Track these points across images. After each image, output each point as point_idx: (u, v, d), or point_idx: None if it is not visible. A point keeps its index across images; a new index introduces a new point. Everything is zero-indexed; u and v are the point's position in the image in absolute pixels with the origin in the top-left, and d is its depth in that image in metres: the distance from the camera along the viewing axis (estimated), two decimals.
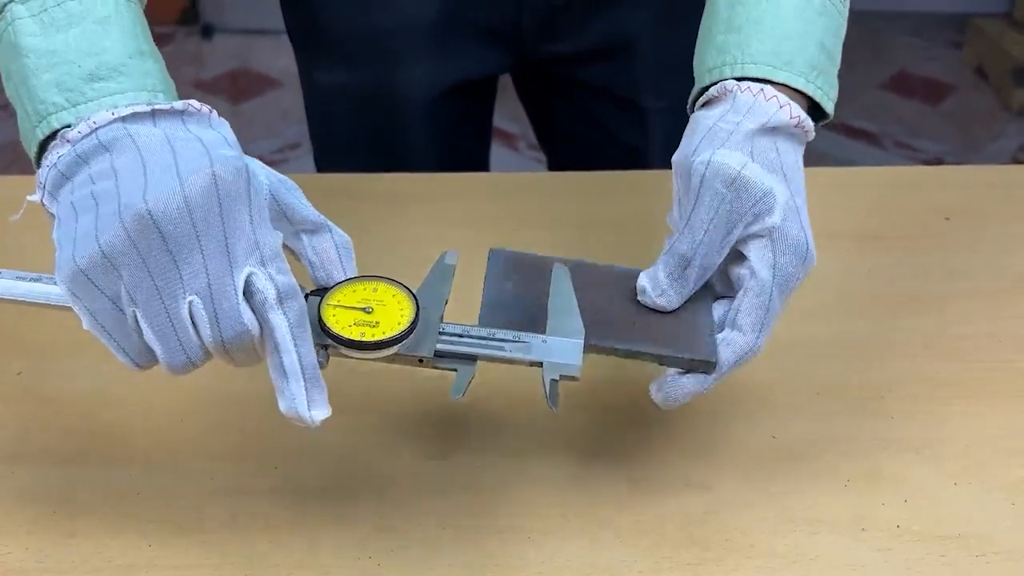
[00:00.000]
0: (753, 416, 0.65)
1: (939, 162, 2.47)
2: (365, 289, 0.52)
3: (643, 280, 0.56)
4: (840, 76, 0.61)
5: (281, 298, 0.47)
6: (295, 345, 0.47)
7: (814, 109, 0.59)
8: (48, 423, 0.64)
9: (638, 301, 0.57)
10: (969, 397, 0.67)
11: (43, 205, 0.51)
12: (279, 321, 0.47)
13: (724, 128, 0.55)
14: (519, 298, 0.57)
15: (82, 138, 0.49)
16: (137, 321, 0.47)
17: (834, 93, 0.60)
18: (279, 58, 2.40)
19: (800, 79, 0.57)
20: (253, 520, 0.59)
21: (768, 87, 0.56)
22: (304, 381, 0.47)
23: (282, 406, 0.48)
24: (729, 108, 0.56)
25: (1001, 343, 0.71)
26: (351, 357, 0.51)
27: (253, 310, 0.47)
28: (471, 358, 0.53)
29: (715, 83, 0.58)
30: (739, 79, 0.57)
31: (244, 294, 0.46)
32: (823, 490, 0.61)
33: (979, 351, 0.71)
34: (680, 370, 0.55)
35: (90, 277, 0.46)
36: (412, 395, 0.66)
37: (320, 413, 0.48)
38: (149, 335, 0.47)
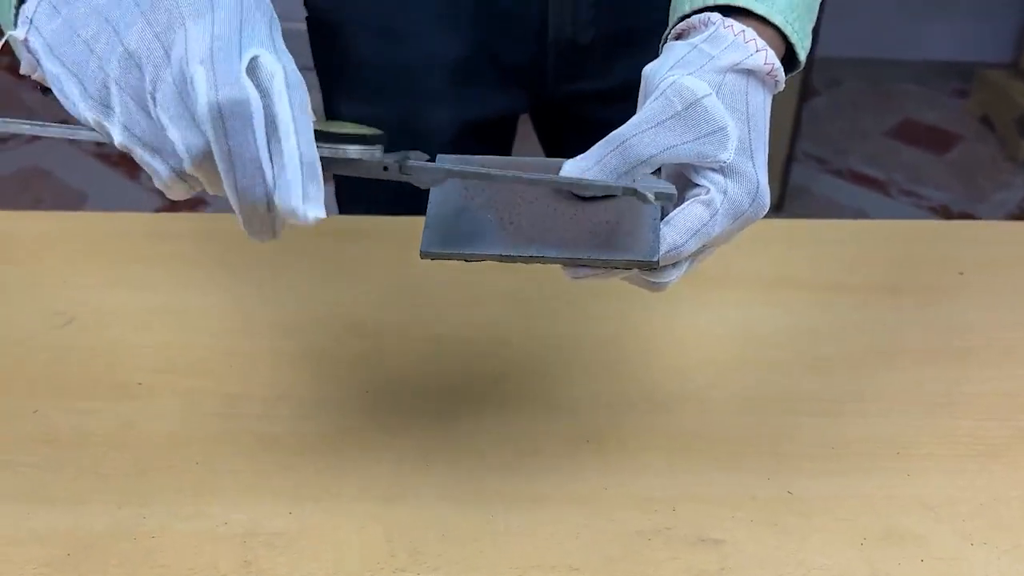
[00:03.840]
0: (769, 470, 0.65)
1: (945, 210, 2.48)
2: (329, 123, 0.50)
3: (567, 166, 0.54)
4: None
5: (289, 81, 0.45)
6: (296, 130, 0.44)
7: (786, 59, 0.59)
8: (63, 463, 0.64)
9: (571, 200, 0.55)
10: (985, 455, 0.67)
11: (25, 42, 0.48)
12: (282, 100, 0.44)
13: (697, 59, 0.55)
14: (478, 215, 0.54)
15: None
16: (158, 116, 0.45)
17: (807, 43, 0.60)
18: None
19: (779, 16, 0.58)
20: (267, 566, 0.58)
21: (749, 30, 0.56)
22: (302, 172, 0.44)
23: (276, 199, 0.44)
24: (706, 39, 0.56)
25: (1017, 400, 0.71)
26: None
27: (262, 91, 0.44)
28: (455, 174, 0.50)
29: (696, 12, 0.59)
30: (720, 8, 0.58)
31: (249, 73, 0.44)
32: (839, 548, 0.61)
33: (995, 408, 0.71)
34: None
35: (120, 85, 0.45)
36: (425, 440, 0.66)
37: (315, 211, 0.44)
38: (163, 118, 0.44)
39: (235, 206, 0.46)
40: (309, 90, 0.47)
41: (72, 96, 0.47)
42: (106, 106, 0.46)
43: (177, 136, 0.45)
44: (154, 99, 0.45)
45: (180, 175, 0.47)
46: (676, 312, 0.78)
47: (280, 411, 0.68)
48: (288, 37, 0.48)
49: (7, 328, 0.74)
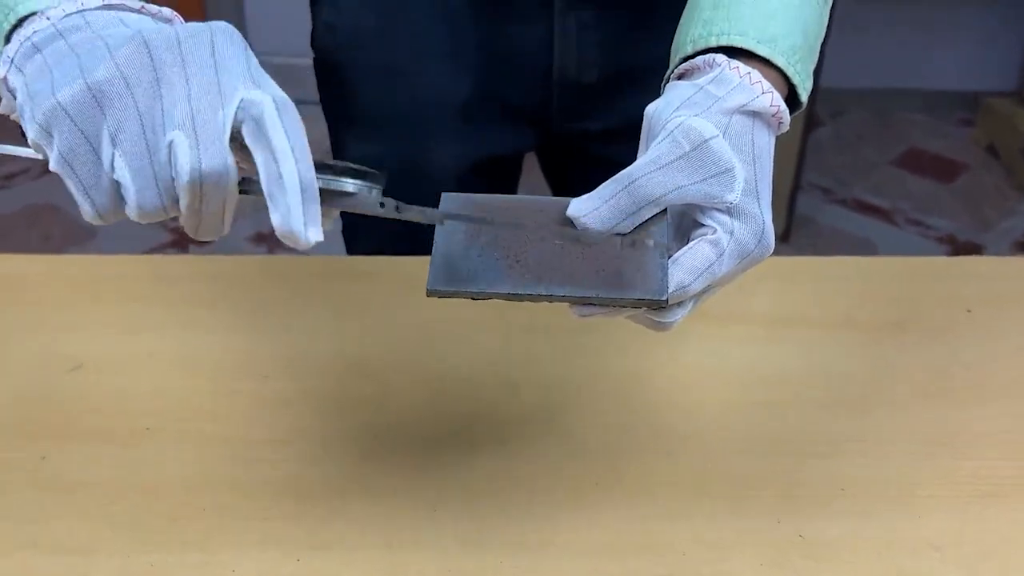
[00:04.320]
0: (778, 512, 0.65)
1: (952, 240, 2.48)
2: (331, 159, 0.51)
3: (575, 205, 0.55)
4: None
5: (279, 108, 0.45)
6: (294, 154, 0.45)
7: (787, 100, 0.60)
8: (69, 509, 0.64)
9: (578, 240, 0.55)
10: (994, 495, 0.67)
11: (3, 80, 0.50)
12: (276, 128, 0.45)
13: (704, 100, 0.55)
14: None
15: (65, 16, 0.49)
16: (112, 161, 0.46)
17: (809, 84, 0.61)
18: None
19: (781, 58, 0.58)
20: None
21: (755, 72, 0.57)
22: (302, 194, 0.45)
23: (276, 221, 0.45)
24: (712, 80, 0.57)
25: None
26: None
27: (255, 124, 0.45)
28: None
29: (699, 53, 0.59)
30: (723, 49, 0.58)
31: (240, 115, 0.45)
32: None
33: (1002, 447, 0.70)
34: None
35: (70, 112, 0.46)
36: (433, 484, 0.66)
37: (315, 233, 0.45)
38: (123, 172, 0.45)
39: (191, 235, 0.49)
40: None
41: (24, 118, 0.48)
42: (47, 132, 0.47)
43: (133, 191, 0.46)
44: (114, 140, 0.46)
45: (103, 217, 0.48)
46: (682, 352, 0.78)
47: (288, 456, 0.68)
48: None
49: (16, 373, 0.75)
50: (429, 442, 0.70)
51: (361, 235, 1.01)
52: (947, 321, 0.83)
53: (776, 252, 0.57)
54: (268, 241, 2.32)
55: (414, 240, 0.97)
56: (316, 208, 0.46)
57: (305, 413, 0.72)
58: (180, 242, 2.33)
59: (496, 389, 0.74)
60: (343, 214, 1.09)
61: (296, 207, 0.45)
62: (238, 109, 0.45)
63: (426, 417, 0.72)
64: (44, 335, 0.78)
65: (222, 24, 0.48)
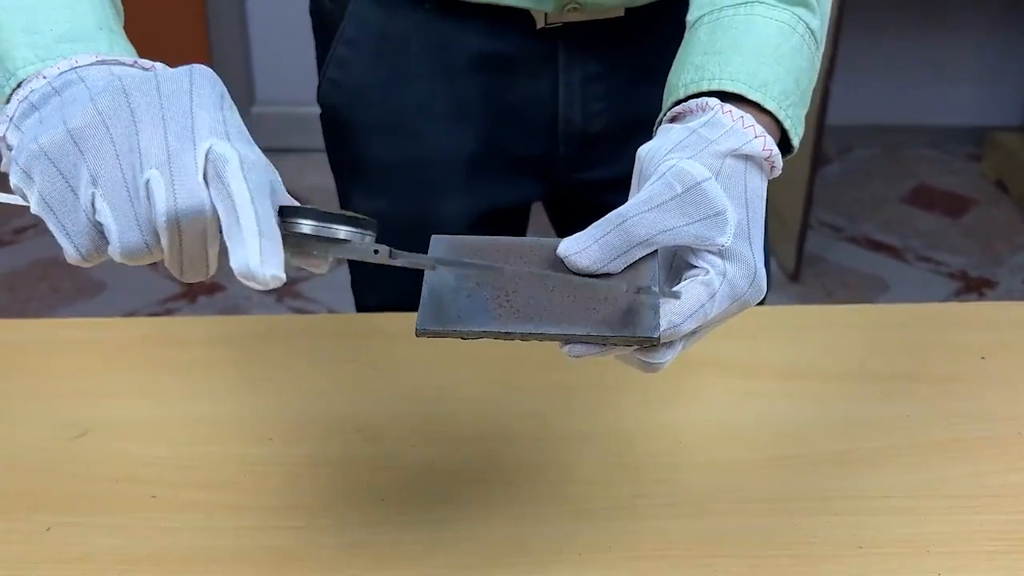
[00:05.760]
0: (796, 574, 0.64)
1: (964, 276, 2.46)
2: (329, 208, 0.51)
3: (565, 244, 0.54)
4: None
5: (244, 164, 0.46)
6: (254, 205, 0.45)
7: (780, 145, 0.59)
8: None
9: (570, 279, 0.54)
10: (1016, 552, 0.65)
11: (3, 140, 0.51)
12: (239, 182, 0.45)
13: (696, 143, 0.55)
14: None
15: (60, 74, 0.50)
16: (93, 202, 0.46)
17: (800, 130, 0.61)
18: (304, 176, 2.45)
19: (773, 103, 0.58)
20: None
21: (748, 116, 0.57)
22: (260, 236, 0.45)
23: (234, 263, 0.45)
24: (704, 123, 0.56)
25: None
26: (304, 240, 0.48)
27: (216, 175, 0.45)
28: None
29: (690, 97, 0.59)
30: (716, 93, 0.58)
31: (207, 165, 0.46)
32: None
33: (1021, 500, 0.69)
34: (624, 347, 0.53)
35: (50, 156, 0.47)
36: (445, 551, 0.65)
37: (272, 269, 0.45)
38: (105, 213, 0.46)
39: (178, 277, 0.49)
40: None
41: (9, 168, 0.49)
42: (28, 176, 0.48)
43: (116, 232, 0.46)
44: (95, 181, 0.46)
45: (86, 258, 0.49)
46: (695, 408, 0.78)
47: (297, 523, 0.67)
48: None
49: (20, 441, 0.74)
50: (439, 505, 0.69)
51: (369, 290, 1.01)
52: (961, 369, 0.82)
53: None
54: (276, 289, 2.32)
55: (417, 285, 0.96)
56: (274, 247, 0.45)
57: (314, 479, 0.71)
58: (190, 293, 2.33)
59: (506, 447, 0.73)
60: (352, 269, 1.09)
61: (253, 247, 0.45)
62: (208, 154, 0.46)
63: (435, 478, 0.71)
64: (48, 401, 0.78)
65: (202, 68, 0.49)
